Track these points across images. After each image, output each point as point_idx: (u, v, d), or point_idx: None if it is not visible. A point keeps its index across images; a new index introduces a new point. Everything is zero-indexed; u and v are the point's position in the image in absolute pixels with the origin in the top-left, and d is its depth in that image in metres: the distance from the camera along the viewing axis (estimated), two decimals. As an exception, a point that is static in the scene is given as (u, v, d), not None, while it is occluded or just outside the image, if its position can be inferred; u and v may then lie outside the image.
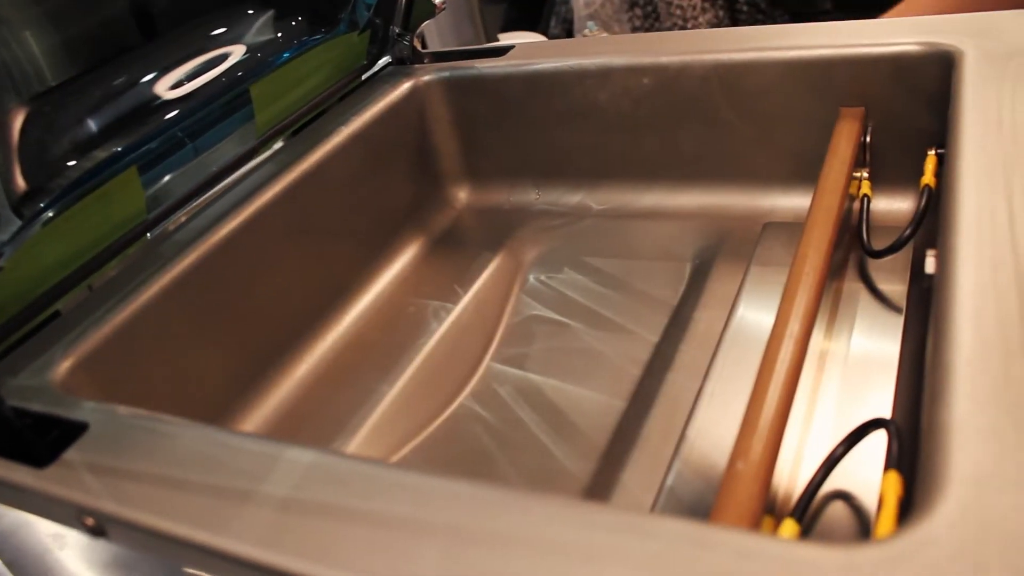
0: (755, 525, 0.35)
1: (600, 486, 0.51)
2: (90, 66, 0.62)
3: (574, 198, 0.79)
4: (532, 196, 0.81)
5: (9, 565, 0.51)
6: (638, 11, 1.91)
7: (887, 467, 0.37)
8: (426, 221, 0.81)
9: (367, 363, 0.66)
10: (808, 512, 0.41)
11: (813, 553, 0.28)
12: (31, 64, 0.58)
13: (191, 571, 0.46)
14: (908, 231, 0.53)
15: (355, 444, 0.59)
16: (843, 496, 0.44)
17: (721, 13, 1.85)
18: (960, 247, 0.39)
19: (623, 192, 0.77)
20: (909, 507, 0.31)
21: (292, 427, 0.61)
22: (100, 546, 0.49)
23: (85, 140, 0.60)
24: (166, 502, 0.36)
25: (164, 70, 0.66)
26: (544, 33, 2.17)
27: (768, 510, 0.42)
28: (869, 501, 0.43)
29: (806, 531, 0.42)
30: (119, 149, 0.61)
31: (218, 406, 0.61)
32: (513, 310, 0.69)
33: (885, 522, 0.33)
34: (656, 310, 0.64)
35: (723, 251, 0.68)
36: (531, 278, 0.72)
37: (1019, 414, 0.30)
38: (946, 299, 0.37)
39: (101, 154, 0.60)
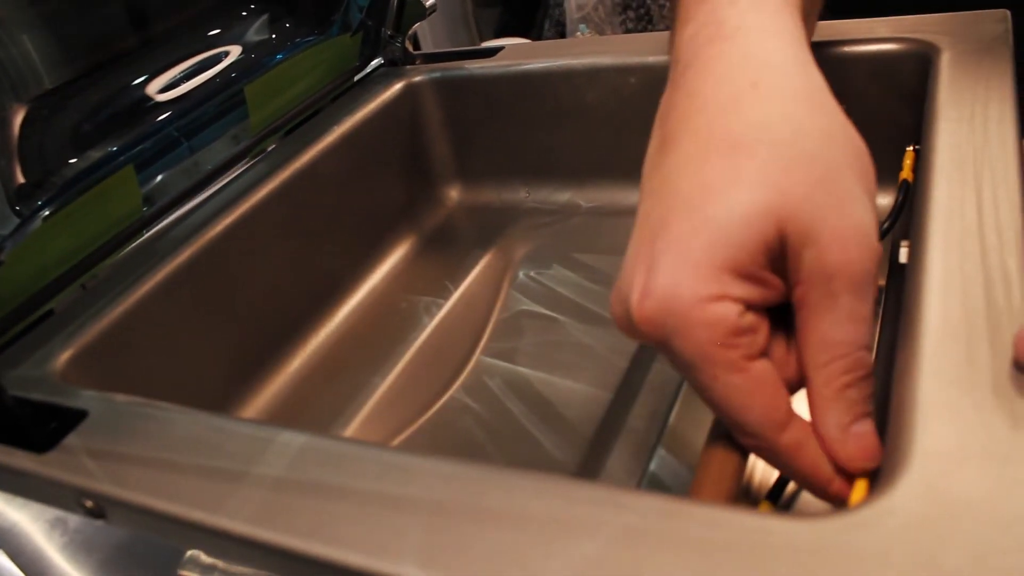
0: (730, 504, 0.37)
1: (586, 473, 0.52)
2: (87, 67, 0.63)
3: (563, 196, 0.81)
4: (522, 195, 0.83)
5: (10, 553, 0.52)
6: (631, 13, 1.92)
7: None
8: (418, 219, 0.82)
9: (360, 357, 0.68)
10: (784, 495, 0.43)
11: (781, 524, 0.29)
12: (28, 65, 0.59)
13: (185, 573, 0.48)
14: (886, 224, 0.54)
15: (347, 435, 0.60)
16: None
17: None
18: (930, 237, 0.40)
19: (611, 190, 0.79)
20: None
21: (286, 419, 0.63)
22: (100, 532, 0.51)
23: (83, 139, 0.61)
24: (163, 484, 0.38)
25: (160, 71, 0.67)
26: (538, 37, 2.18)
27: (745, 494, 0.44)
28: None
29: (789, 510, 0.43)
30: (116, 148, 0.63)
31: (214, 399, 0.62)
32: (503, 305, 0.71)
33: (856, 497, 0.34)
34: (643, 304, 0.66)
35: (708, 246, 0.69)
36: (521, 274, 0.73)
37: (979, 393, 0.32)
38: (916, 286, 0.38)
39: (99, 153, 0.61)
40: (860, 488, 0.35)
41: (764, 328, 0.34)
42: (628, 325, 0.36)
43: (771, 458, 0.35)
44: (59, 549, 0.51)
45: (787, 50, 0.39)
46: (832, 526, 0.29)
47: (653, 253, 0.34)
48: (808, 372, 0.35)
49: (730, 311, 0.33)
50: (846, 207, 0.34)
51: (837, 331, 0.34)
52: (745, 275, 0.33)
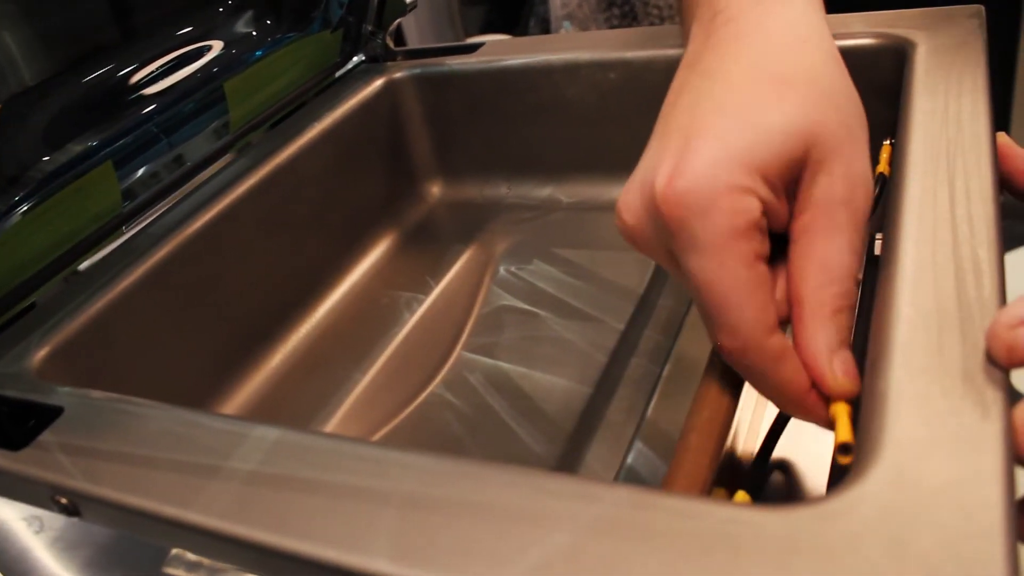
0: (704, 494, 0.37)
1: (565, 467, 0.53)
2: (66, 62, 0.63)
3: (544, 192, 0.81)
4: (503, 190, 0.83)
5: (-13, 552, 0.52)
6: (615, 11, 1.92)
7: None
8: (399, 215, 0.82)
9: (340, 353, 0.68)
10: (763, 483, 0.43)
11: (752, 514, 0.29)
12: (7, 60, 0.59)
13: (170, 571, 0.48)
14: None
15: (328, 431, 0.60)
16: (798, 466, 0.45)
17: (698, 13, 1.87)
18: (903, 228, 0.40)
19: (591, 185, 0.79)
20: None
21: (267, 415, 0.63)
22: (86, 530, 0.51)
23: (61, 135, 0.61)
24: (136, 479, 0.37)
25: (139, 66, 0.67)
26: (523, 34, 2.18)
27: (724, 484, 0.44)
28: (822, 469, 0.45)
29: (762, 501, 0.43)
30: (95, 143, 0.62)
31: (195, 395, 0.62)
32: (484, 301, 0.71)
33: (842, 432, 0.34)
34: (623, 298, 0.66)
35: (688, 240, 0.69)
36: (502, 269, 0.73)
37: (948, 382, 0.32)
38: (888, 276, 0.38)
39: (77, 148, 0.61)
40: (843, 418, 0.35)
41: (767, 239, 0.37)
42: (636, 215, 0.39)
43: (753, 366, 0.37)
44: (45, 547, 0.51)
45: (823, 20, 0.44)
46: (803, 515, 0.29)
47: (689, 144, 0.37)
48: (804, 294, 0.37)
49: (755, 206, 0.36)
50: (857, 154, 0.39)
51: (837, 257, 0.37)
52: (770, 182, 0.36)
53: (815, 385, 0.36)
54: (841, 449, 0.34)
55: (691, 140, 0.37)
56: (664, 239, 0.37)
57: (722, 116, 0.37)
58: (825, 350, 0.36)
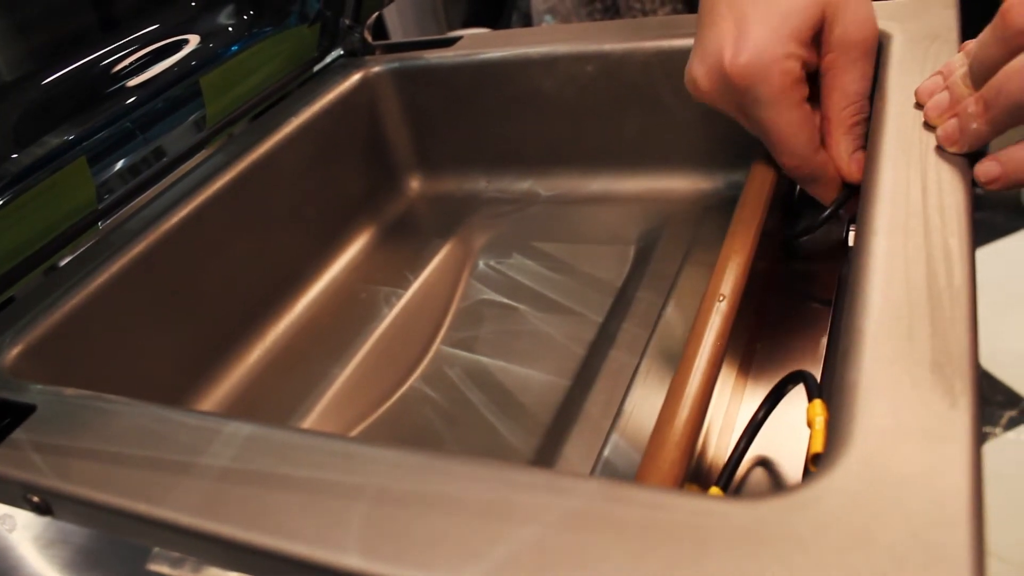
0: (677, 488, 0.37)
1: (542, 460, 0.53)
2: (40, 56, 0.63)
3: (523, 185, 0.81)
4: (482, 184, 0.83)
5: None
6: (597, 5, 1.92)
7: (810, 399, 0.38)
8: (378, 210, 0.82)
9: (319, 348, 0.67)
10: (735, 479, 0.43)
11: (721, 506, 0.29)
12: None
13: (155, 568, 0.47)
14: (831, 208, 0.54)
15: (306, 426, 0.60)
16: (773, 464, 0.45)
17: (680, 6, 1.87)
18: (876, 217, 0.41)
19: (570, 178, 0.79)
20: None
21: (244, 411, 0.62)
22: (49, 526, 0.50)
23: (34, 129, 0.61)
24: (108, 477, 0.37)
25: (114, 61, 0.67)
26: (505, 28, 2.18)
27: (699, 481, 0.44)
28: (798, 468, 0.45)
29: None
30: (69, 138, 0.62)
31: (172, 392, 0.62)
32: (463, 295, 0.71)
33: (816, 443, 0.35)
34: (601, 291, 0.66)
35: (666, 233, 0.69)
36: (481, 263, 0.73)
37: (918, 372, 0.32)
38: (861, 266, 0.38)
39: (51, 143, 0.61)
40: (819, 428, 0.36)
41: (807, 85, 0.51)
42: (711, 82, 0.51)
43: (805, 173, 0.52)
44: (30, 541, 0.51)
45: None
46: (772, 507, 0.29)
47: (741, 28, 0.49)
48: (831, 115, 0.52)
49: (797, 65, 0.49)
50: (860, 4, 0.50)
51: (853, 84, 0.51)
52: (803, 42, 0.49)
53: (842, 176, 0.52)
54: (814, 459, 0.35)
55: (743, 24, 0.49)
56: (733, 98, 0.50)
57: (760, 4, 0.49)
58: (846, 154, 0.52)
